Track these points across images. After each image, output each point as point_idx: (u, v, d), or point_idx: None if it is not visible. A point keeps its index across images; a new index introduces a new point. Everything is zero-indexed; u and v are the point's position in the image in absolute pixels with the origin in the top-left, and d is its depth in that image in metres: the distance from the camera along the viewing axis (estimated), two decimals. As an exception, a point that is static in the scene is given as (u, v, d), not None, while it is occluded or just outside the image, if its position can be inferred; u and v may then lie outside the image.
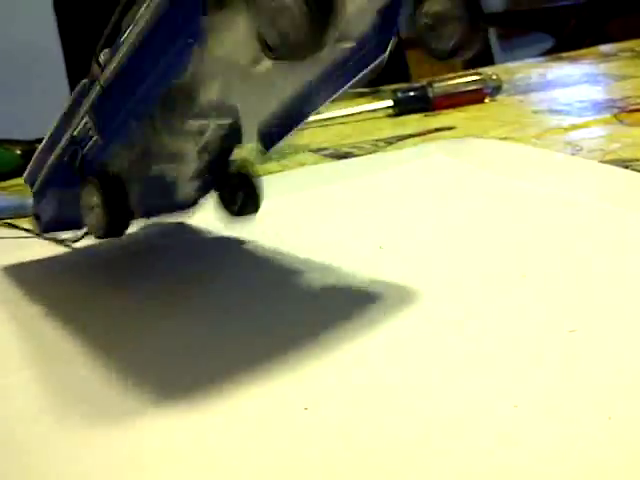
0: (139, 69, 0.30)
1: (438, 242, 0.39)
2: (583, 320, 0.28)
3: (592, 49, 1.14)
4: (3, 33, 2.86)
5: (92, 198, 0.33)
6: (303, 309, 0.32)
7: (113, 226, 0.33)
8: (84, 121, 0.34)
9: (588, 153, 0.55)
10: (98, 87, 0.32)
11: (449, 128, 0.72)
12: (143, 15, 0.29)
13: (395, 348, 0.28)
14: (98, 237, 0.35)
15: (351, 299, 0.33)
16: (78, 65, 1.33)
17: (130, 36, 0.30)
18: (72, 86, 1.17)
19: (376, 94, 1.04)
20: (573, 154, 0.55)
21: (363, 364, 0.27)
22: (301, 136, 0.80)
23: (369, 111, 0.86)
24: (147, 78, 0.30)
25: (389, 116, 0.85)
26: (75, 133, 0.34)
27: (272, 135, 0.36)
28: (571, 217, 0.40)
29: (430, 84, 0.85)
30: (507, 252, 0.36)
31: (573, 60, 1.08)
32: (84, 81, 0.34)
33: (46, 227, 0.42)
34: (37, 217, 0.41)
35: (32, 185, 0.40)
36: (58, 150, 0.36)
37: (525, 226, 0.40)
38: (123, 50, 0.30)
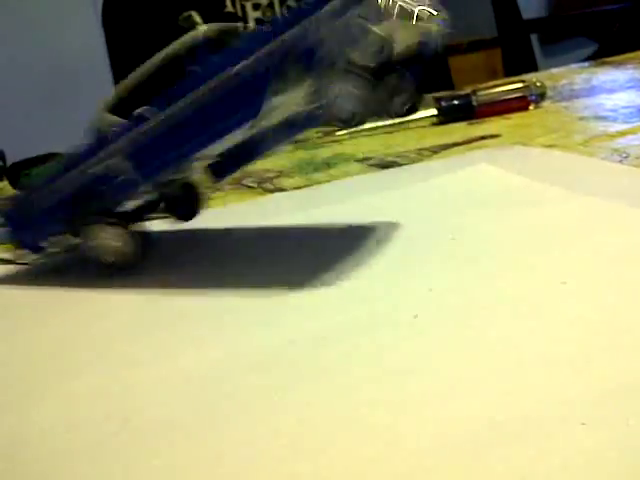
0: (190, 129, 0.33)
1: (484, 251, 0.39)
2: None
3: (637, 53, 1.13)
4: (52, 46, 2.94)
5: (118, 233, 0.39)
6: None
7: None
8: (112, 161, 0.36)
9: (635, 159, 0.55)
10: (141, 136, 0.35)
11: (494, 136, 0.72)
12: (209, 83, 0.31)
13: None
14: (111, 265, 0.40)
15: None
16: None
17: (186, 99, 0.32)
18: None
19: (420, 102, 1.05)
20: (620, 161, 0.55)
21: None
22: (347, 146, 0.81)
23: (413, 120, 0.87)
24: (195, 138, 0.33)
25: (433, 125, 0.86)
26: (97, 171, 0.37)
27: (224, 168, 0.40)
28: (618, 225, 0.40)
29: (474, 92, 0.85)
30: (549, 259, 0.36)
31: (618, 65, 1.08)
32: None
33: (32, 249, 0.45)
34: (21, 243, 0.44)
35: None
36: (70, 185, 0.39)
37: (570, 234, 0.40)
38: (176, 108, 0.33)
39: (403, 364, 0.28)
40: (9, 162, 0.79)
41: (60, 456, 0.24)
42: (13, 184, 0.68)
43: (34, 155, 0.71)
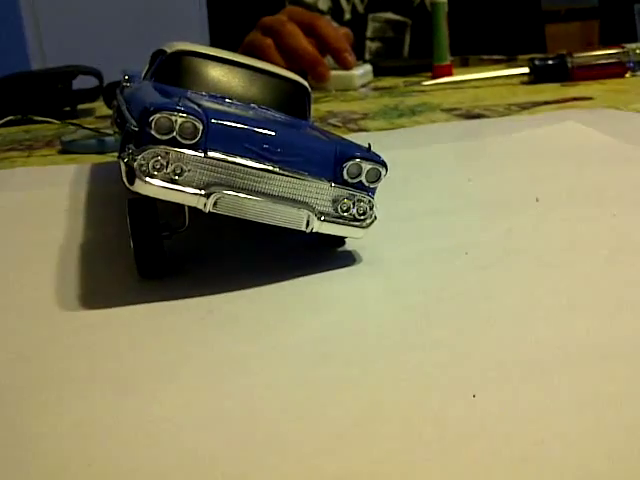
0: None
1: (560, 203, 0.39)
2: None
3: None
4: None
5: None
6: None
7: None
8: None
9: None
10: None
11: (586, 98, 0.71)
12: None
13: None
14: None
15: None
16: (220, 15, 1.37)
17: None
18: (213, 33, 1.20)
19: (512, 62, 1.03)
20: None
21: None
22: (434, 96, 0.81)
23: (504, 77, 0.85)
24: None
25: (524, 84, 0.84)
26: None
27: None
28: None
29: (570, 54, 0.83)
30: (629, 215, 0.36)
31: None
32: None
33: None
34: None
35: None
36: None
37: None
38: None
39: (482, 290, 0.28)
40: (106, 82, 0.82)
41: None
42: (108, 103, 0.70)
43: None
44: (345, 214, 0.31)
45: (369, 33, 1.26)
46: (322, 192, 0.30)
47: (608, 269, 0.30)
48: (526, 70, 0.84)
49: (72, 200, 0.46)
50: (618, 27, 1.67)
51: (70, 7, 2.93)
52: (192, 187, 0.28)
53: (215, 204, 0.28)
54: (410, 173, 0.47)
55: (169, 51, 0.37)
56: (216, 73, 0.37)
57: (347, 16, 1.25)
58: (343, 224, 0.31)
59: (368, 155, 0.30)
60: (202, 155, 0.28)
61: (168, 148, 0.27)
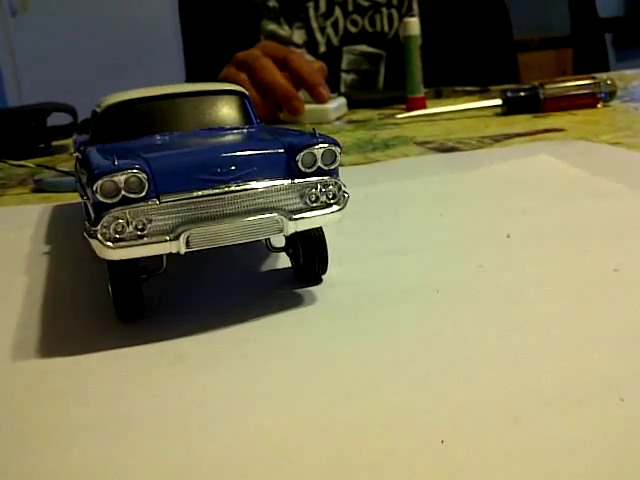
0: None
1: (535, 237, 0.39)
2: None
3: None
4: (124, 16, 3.00)
5: None
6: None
7: None
8: None
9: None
10: None
11: (558, 130, 0.71)
12: None
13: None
14: None
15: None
16: (196, 50, 1.38)
17: None
18: (188, 69, 1.21)
19: (485, 93, 1.04)
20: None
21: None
22: (407, 129, 0.81)
23: (477, 109, 0.86)
24: None
25: (497, 115, 0.85)
26: None
27: None
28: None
29: (542, 85, 0.84)
30: (599, 250, 0.36)
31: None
32: None
33: None
34: None
35: None
36: None
37: (621, 228, 0.39)
38: None
39: (453, 331, 0.28)
40: (80, 118, 0.82)
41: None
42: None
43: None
44: (316, 204, 0.31)
45: (344, 65, 1.27)
46: (286, 191, 0.30)
47: (579, 307, 0.30)
48: (499, 102, 0.85)
49: (43, 242, 0.45)
50: (591, 56, 1.69)
51: (48, 45, 2.95)
52: (159, 236, 0.28)
53: (187, 243, 0.28)
54: (383, 209, 0.47)
55: (99, 110, 0.36)
56: (152, 113, 0.36)
57: (322, 49, 1.26)
58: (317, 215, 0.31)
59: (316, 140, 0.30)
60: (157, 202, 0.28)
61: (123, 208, 0.27)
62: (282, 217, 0.30)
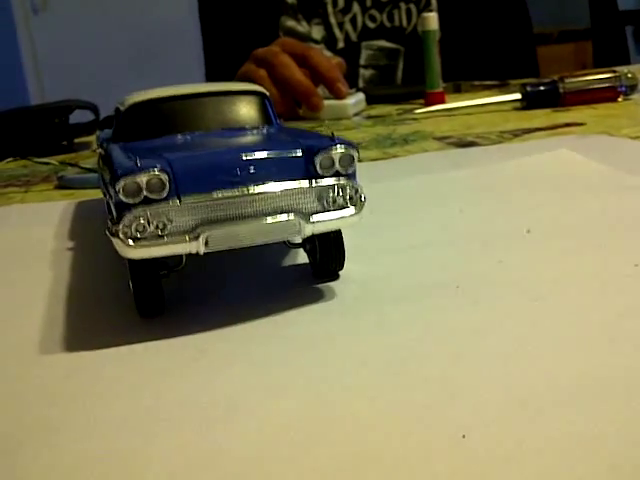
0: None
1: (554, 233, 0.39)
2: None
3: None
4: (146, 16, 3.02)
5: None
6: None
7: None
8: None
9: None
10: None
11: (578, 124, 0.71)
12: None
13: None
14: None
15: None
16: (215, 47, 1.39)
17: None
18: (208, 65, 1.22)
19: (504, 87, 1.04)
20: None
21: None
22: (426, 124, 0.81)
23: (496, 103, 0.86)
24: None
25: (516, 109, 0.85)
26: None
27: None
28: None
29: (561, 79, 0.84)
30: (620, 245, 0.36)
31: None
32: None
33: None
34: None
35: None
36: None
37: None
38: None
39: (473, 326, 0.28)
40: (102, 115, 0.83)
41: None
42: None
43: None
44: (333, 207, 0.31)
45: (362, 61, 1.27)
46: (304, 194, 0.30)
47: (599, 302, 0.30)
48: (518, 96, 0.85)
49: (67, 238, 0.46)
50: (611, 49, 1.68)
51: (69, 44, 2.97)
52: (179, 235, 0.28)
53: (207, 243, 0.29)
54: (402, 205, 0.47)
55: (123, 108, 0.37)
56: (174, 112, 0.36)
57: (340, 44, 1.26)
58: (334, 217, 0.31)
59: (334, 143, 0.31)
60: (178, 203, 0.28)
61: (144, 208, 0.28)
62: (300, 219, 0.30)
